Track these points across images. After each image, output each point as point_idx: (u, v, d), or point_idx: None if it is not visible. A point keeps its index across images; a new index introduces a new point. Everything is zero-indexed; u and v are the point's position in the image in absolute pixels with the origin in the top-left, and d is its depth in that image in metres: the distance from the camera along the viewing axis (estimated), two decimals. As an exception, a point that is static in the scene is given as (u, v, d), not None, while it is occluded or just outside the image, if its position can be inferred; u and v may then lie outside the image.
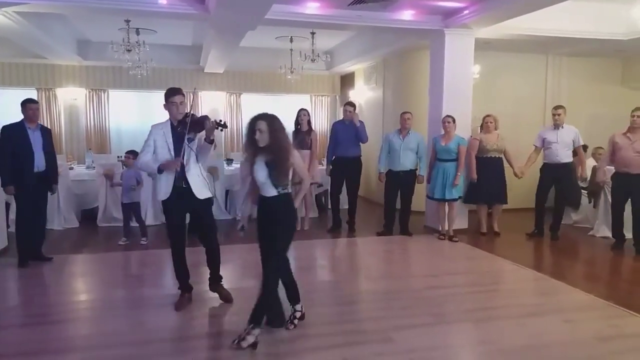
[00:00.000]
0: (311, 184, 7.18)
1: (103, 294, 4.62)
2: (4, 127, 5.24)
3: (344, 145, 6.89)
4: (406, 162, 6.59)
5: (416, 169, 6.65)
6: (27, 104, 5.25)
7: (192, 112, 3.77)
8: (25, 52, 8.95)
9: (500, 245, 6.48)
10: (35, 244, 5.45)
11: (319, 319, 3.93)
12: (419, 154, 6.63)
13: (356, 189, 7.09)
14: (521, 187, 7.04)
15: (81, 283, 5.11)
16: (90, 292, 4.78)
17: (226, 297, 4.12)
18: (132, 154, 6.28)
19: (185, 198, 3.84)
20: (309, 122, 7.05)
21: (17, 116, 5.29)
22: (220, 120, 3.65)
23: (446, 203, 6.59)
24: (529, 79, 8.95)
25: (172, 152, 3.81)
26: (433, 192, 6.56)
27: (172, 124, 3.86)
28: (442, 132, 6.57)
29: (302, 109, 7.08)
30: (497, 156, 6.80)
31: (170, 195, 3.84)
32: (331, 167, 7.02)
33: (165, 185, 3.83)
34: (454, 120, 6.49)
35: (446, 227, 6.67)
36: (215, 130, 3.67)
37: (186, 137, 3.72)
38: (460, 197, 6.66)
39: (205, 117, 3.72)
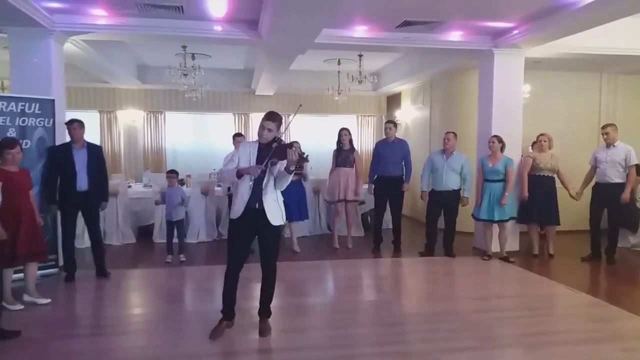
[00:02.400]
0: (354, 201, 7.25)
1: (157, 307, 4.82)
2: (49, 149, 5.53)
3: (386, 164, 6.92)
4: (449, 182, 6.53)
5: (460, 190, 6.59)
6: (67, 125, 5.46)
7: (281, 137, 3.72)
8: (89, 77, 9.55)
9: (553, 268, 6.29)
10: (96, 260, 5.64)
11: (365, 340, 3.97)
12: (462, 175, 6.56)
13: (400, 207, 7.08)
14: (577, 207, 6.82)
15: (136, 297, 5.35)
16: (145, 306, 4.99)
17: (262, 332, 3.91)
18: (174, 173, 6.55)
19: (257, 220, 3.74)
20: (350, 141, 7.16)
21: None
22: (304, 154, 3.51)
23: (496, 224, 6.49)
24: (582, 98, 8.72)
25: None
26: (479, 213, 6.46)
27: (260, 145, 3.79)
28: (489, 152, 6.49)
29: (343, 128, 7.19)
30: (549, 175, 6.67)
31: (242, 215, 3.78)
32: (373, 186, 7.05)
33: (239, 204, 3.78)
34: (499, 141, 6.41)
35: (492, 249, 6.57)
36: (296, 163, 3.53)
37: (268, 160, 3.64)
38: (512, 218, 6.54)
39: (291, 145, 3.55)
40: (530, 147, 7.74)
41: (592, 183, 6.56)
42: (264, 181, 3.73)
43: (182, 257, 6.50)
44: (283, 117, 3.94)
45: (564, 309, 4.87)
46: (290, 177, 3.73)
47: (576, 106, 8.65)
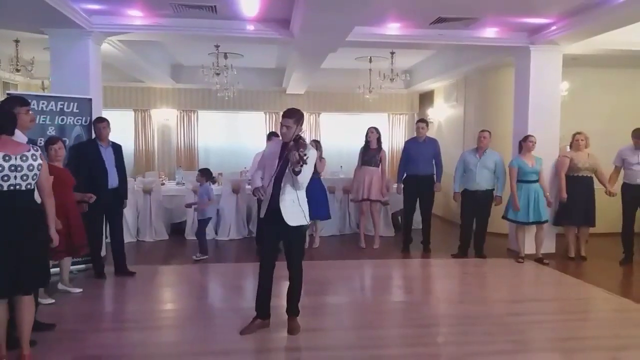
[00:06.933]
0: (378, 201, 7.16)
1: (188, 303, 4.88)
2: (72, 147, 5.48)
3: (416, 162, 6.82)
4: (482, 181, 6.41)
5: (493, 189, 6.45)
6: (96, 123, 5.41)
7: (300, 136, 3.70)
8: (125, 76, 9.79)
9: (589, 271, 6.09)
10: (116, 259, 5.59)
11: (394, 340, 3.93)
12: (496, 174, 6.43)
13: (430, 207, 6.96)
14: (612, 209, 6.59)
15: (168, 293, 5.43)
16: (177, 302, 5.06)
17: (292, 330, 3.91)
18: (203, 172, 6.55)
19: (277, 221, 3.76)
20: (378, 140, 7.09)
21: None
22: (305, 156, 3.49)
23: (533, 225, 6.33)
24: (623, 95, 8.39)
25: (276, 172, 3.77)
26: (526, 216, 6.21)
27: (283, 144, 3.79)
28: (524, 152, 6.30)
29: (370, 127, 7.15)
30: (588, 175, 6.47)
31: (266, 215, 3.88)
32: (402, 185, 6.96)
33: (264, 204, 3.90)
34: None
35: (525, 251, 6.40)
36: (295, 165, 3.53)
37: (279, 164, 3.71)
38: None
39: (298, 146, 3.54)
40: (568, 147, 7.52)
41: (620, 182, 6.42)
42: (282, 182, 3.74)
43: (196, 256, 6.37)
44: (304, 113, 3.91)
45: (601, 313, 4.71)
46: (303, 178, 3.66)
47: (617, 104, 8.33)
